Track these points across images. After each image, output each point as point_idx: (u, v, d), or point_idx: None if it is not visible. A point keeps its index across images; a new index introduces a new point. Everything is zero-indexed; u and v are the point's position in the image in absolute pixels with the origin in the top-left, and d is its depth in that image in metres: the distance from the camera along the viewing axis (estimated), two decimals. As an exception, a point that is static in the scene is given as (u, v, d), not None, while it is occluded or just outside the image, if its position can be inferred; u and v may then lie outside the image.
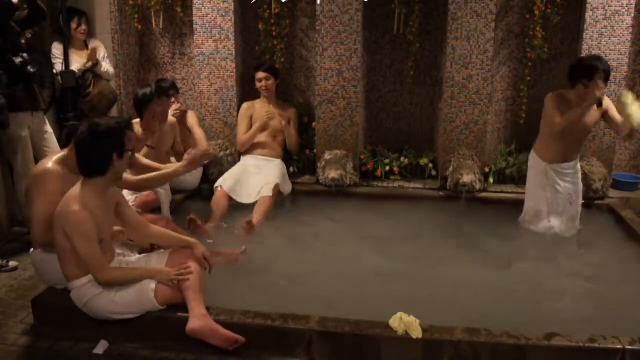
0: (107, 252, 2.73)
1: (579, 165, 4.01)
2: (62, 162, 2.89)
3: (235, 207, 4.34)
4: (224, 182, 4.39)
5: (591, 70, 3.59)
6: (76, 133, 2.67)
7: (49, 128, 4.17)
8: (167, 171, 3.39)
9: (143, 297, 2.69)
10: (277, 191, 4.43)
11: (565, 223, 3.97)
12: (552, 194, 3.94)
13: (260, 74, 4.80)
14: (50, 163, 2.89)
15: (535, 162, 4.02)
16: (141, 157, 3.50)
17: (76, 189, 2.60)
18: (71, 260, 2.63)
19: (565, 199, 3.95)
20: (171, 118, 4.31)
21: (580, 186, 4.03)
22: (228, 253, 3.50)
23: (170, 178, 3.54)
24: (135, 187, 3.38)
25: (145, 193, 3.79)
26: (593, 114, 3.80)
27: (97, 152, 2.55)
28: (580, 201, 4.04)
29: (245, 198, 4.37)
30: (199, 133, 4.71)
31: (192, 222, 3.89)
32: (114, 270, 2.70)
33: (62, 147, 3.42)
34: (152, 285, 2.71)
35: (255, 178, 4.53)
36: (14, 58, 3.67)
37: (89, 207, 2.55)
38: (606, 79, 3.64)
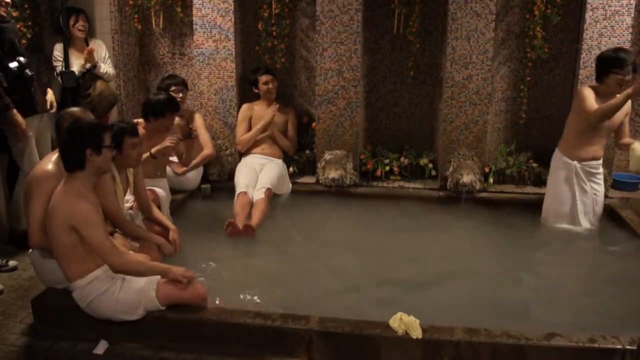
0: None
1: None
2: (58, 162, 2.91)
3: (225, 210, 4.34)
4: (247, 189, 4.35)
5: (620, 60, 3.62)
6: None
7: (49, 132, 4.19)
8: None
9: (145, 296, 2.70)
10: (270, 194, 4.40)
11: (591, 222, 4.01)
12: (580, 193, 3.94)
13: (266, 77, 4.85)
14: (49, 165, 2.91)
15: (562, 162, 3.97)
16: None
17: (63, 186, 2.65)
18: (73, 257, 2.63)
19: (591, 199, 3.96)
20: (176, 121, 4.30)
21: (603, 188, 4.04)
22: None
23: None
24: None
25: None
26: (621, 110, 3.74)
27: (73, 148, 2.63)
28: (602, 202, 4.05)
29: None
30: (204, 136, 4.68)
31: (231, 225, 3.90)
32: (127, 256, 2.73)
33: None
34: (154, 284, 2.72)
35: (258, 177, 4.56)
36: (9, 64, 3.65)
37: (87, 197, 2.61)
38: (634, 69, 3.65)
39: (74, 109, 3.10)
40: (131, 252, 2.98)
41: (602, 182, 4.03)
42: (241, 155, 4.95)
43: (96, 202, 2.72)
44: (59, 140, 2.70)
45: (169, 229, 3.50)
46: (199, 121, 4.73)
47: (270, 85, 4.86)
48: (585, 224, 3.99)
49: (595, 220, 4.04)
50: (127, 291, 2.70)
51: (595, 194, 3.99)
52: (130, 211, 3.51)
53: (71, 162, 2.65)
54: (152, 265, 2.82)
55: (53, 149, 4.16)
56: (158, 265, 2.82)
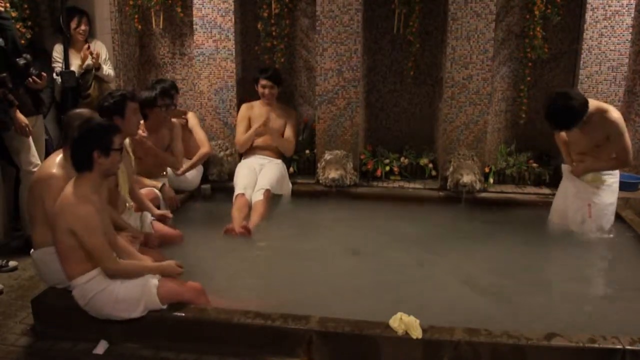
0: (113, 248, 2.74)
1: (609, 180, 3.84)
2: (64, 164, 2.91)
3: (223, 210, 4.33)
4: (245, 190, 4.33)
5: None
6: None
7: (43, 134, 4.18)
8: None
9: (145, 294, 2.70)
10: (269, 195, 4.38)
11: (581, 229, 3.88)
12: (571, 193, 3.92)
13: (265, 82, 4.75)
14: (53, 168, 2.90)
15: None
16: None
17: (71, 186, 2.64)
18: (74, 257, 2.63)
19: (582, 205, 3.84)
20: (174, 121, 4.30)
21: (605, 200, 3.83)
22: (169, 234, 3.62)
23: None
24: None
25: (145, 192, 3.80)
26: (594, 135, 3.69)
27: (81, 149, 2.63)
28: (603, 215, 3.84)
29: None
30: (200, 134, 4.68)
31: (229, 230, 3.91)
32: (122, 262, 2.73)
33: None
34: (155, 281, 2.73)
35: (258, 178, 4.55)
36: (17, 59, 3.66)
37: (91, 201, 2.60)
38: (556, 124, 3.67)
39: (83, 110, 3.09)
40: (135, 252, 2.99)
41: (601, 193, 3.82)
42: (241, 155, 4.95)
43: (102, 205, 2.70)
44: (64, 141, 2.69)
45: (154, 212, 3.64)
46: (192, 120, 4.72)
47: (267, 91, 4.75)
48: (573, 224, 3.92)
49: (585, 228, 3.88)
50: (127, 289, 2.69)
51: (589, 204, 3.83)
52: (137, 213, 3.51)
53: (79, 163, 2.64)
54: (147, 266, 2.81)
55: (47, 151, 4.17)
56: (152, 266, 2.82)
